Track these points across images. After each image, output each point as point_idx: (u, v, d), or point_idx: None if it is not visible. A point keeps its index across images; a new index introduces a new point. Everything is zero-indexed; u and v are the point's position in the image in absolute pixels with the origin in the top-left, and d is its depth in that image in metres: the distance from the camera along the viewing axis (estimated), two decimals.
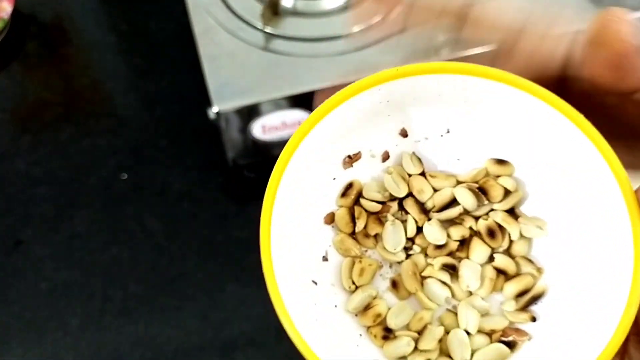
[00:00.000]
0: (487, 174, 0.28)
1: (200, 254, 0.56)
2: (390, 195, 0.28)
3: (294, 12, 0.59)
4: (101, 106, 0.67)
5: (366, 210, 0.28)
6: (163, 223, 0.58)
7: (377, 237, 0.28)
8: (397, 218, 0.28)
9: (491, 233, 0.27)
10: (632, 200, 0.24)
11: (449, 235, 0.28)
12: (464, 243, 0.28)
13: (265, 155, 0.56)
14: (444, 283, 0.27)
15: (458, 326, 0.27)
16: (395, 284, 0.28)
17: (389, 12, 0.44)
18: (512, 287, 0.27)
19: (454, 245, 0.27)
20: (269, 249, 0.25)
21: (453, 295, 0.28)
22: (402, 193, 0.28)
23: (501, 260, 0.27)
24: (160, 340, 0.52)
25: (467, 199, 0.27)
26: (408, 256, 0.28)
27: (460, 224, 0.28)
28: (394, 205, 0.28)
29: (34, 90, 0.69)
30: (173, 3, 0.73)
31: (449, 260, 0.27)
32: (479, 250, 0.27)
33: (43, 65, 0.71)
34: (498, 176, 0.27)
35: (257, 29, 0.57)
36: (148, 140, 0.64)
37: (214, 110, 0.51)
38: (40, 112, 0.67)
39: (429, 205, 0.28)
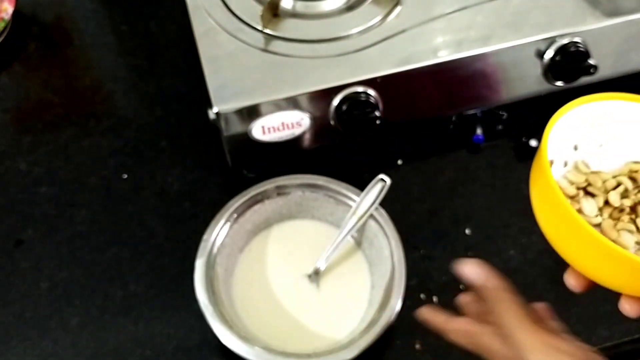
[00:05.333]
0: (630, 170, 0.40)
1: None
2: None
3: (294, 14, 0.59)
4: (102, 106, 0.67)
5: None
6: (163, 223, 0.58)
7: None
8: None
9: None
10: None
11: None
12: (633, 210, 0.38)
13: (265, 156, 0.56)
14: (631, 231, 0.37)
15: None
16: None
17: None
18: None
19: (627, 208, 0.38)
20: None
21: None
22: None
23: None
24: (160, 339, 0.52)
25: (628, 182, 0.39)
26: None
27: (627, 197, 0.39)
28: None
29: (35, 91, 0.69)
30: (173, 4, 0.74)
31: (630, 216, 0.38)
32: None
33: (44, 65, 0.71)
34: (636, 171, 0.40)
35: (257, 30, 0.57)
36: (148, 140, 0.64)
37: (213, 110, 0.51)
38: (41, 112, 0.67)
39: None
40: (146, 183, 0.61)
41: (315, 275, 0.52)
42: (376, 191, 0.52)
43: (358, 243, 0.55)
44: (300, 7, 0.60)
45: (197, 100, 0.65)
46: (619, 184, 0.40)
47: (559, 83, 0.58)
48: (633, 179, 0.40)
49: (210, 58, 0.55)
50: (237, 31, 0.57)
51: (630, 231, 0.38)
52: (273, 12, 0.58)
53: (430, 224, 0.58)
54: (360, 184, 0.53)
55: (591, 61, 0.56)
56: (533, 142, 0.63)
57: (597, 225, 0.38)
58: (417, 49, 0.55)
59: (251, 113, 0.52)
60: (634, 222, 0.38)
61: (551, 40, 0.56)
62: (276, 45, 0.56)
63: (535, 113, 0.64)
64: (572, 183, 0.40)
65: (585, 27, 0.56)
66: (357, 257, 0.54)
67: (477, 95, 0.59)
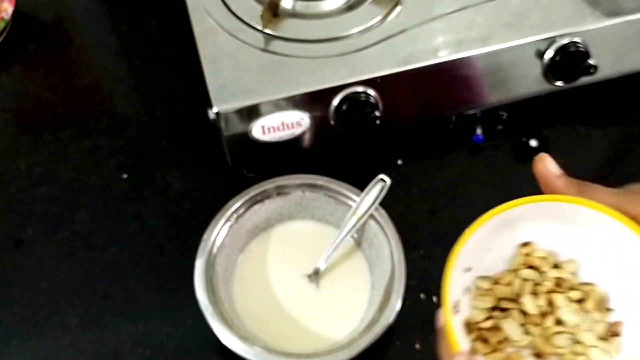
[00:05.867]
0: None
1: None
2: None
3: (294, 14, 0.59)
4: (102, 106, 0.67)
5: None
6: (163, 223, 0.58)
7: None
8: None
9: (558, 285, 0.37)
10: None
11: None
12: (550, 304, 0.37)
13: (265, 156, 0.56)
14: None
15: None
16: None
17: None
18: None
19: (545, 306, 0.37)
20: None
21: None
22: None
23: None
24: (159, 339, 0.52)
25: (532, 275, 0.38)
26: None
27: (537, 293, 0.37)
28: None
29: (35, 91, 0.69)
30: (173, 4, 0.74)
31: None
32: (561, 301, 0.37)
33: (44, 65, 0.71)
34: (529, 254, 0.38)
35: (257, 30, 0.57)
36: (148, 140, 0.64)
37: (213, 110, 0.51)
38: (41, 112, 0.67)
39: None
40: (146, 183, 0.61)
41: (315, 276, 0.52)
42: (376, 191, 0.52)
43: (358, 243, 0.55)
44: (300, 7, 0.60)
45: (197, 100, 0.65)
46: (525, 280, 0.38)
47: (559, 83, 0.58)
48: (532, 267, 0.38)
49: (210, 58, 0.55)
50: (237, 31, 0.57)
51: (559, 332, 0.36)
52: (273, 12, 0.58)
53: (430, 224, 0.58)
54: (360, 184, 0.53)
55: (591, 61, 0.56)
56: (533, 142, 0.63)
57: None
58: (417, 49, 0.55)
59: (251, 113, 0.52)
60: (557, 321, 0.36)
61: (551, 40, 0.56)
62: (276, 45, 0.56)
63: (535, 113, 0.64)
64: (482, 309, 0.37)
65: (585, 27, 0.56)
66: (357, 257, 0.54)
67: (477, 95, 0.59)
